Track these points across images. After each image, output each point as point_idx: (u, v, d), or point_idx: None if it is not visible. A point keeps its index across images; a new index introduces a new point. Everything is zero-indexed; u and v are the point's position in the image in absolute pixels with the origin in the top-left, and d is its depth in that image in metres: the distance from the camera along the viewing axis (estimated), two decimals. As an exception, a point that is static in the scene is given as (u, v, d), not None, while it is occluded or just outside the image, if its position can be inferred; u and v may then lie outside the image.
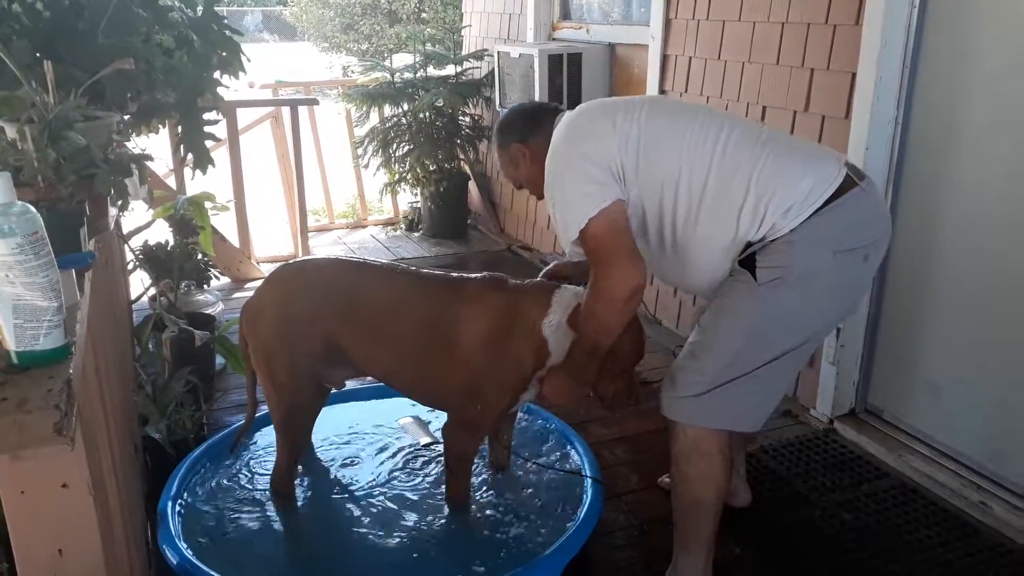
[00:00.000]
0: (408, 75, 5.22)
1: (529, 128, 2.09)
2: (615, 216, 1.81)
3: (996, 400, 2.46)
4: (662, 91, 3.66)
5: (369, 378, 2.44)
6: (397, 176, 5.33)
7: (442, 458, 2.34)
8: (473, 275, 2.22)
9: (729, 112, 1.93)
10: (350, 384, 2.45)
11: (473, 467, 2.35)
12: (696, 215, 1.83)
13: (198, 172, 2.47)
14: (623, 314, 1.84)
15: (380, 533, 2.20)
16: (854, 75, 2.66)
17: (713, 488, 1.93)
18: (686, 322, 3.62)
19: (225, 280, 4.29)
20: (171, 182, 4.21)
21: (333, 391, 2.44)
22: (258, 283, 2.37)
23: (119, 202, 1.71)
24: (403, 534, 2.20)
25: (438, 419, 2.73)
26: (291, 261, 2.51)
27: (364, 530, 2.22)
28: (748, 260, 1.80)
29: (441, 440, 2.37)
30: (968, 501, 2.44)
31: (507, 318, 2.10)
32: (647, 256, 1.91)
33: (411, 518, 2.26)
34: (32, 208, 1.10)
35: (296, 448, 2.34)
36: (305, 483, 2.44)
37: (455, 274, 2.25)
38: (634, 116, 1.86)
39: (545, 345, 2.07)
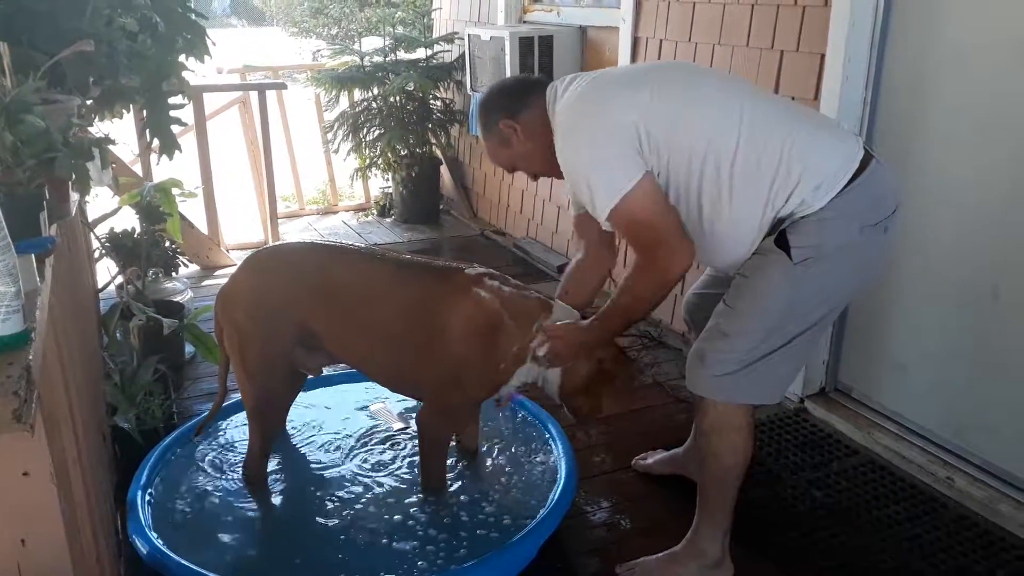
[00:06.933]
0: (378, 59, 5.17)
1: (515, 103, 2.00)
2: (651, 190, 1.77)
3: (962, 378, 2.50)
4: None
5: (343, 364, 2.42)
6: (368, 161, 5.29)
7: (414, 444, 2.33)
8: (461, 264, 2.17)
9: (739, 77, 1.91)
10: (325, 371, 2.43)
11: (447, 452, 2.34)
12: (728, 190, 1.79)
13: (164, 158, 2.43)
14: (666, 293, 1.85)
15: (353, 519, 2.20)
16: (823, 56, 2.67)
17: (742, 456, 1.95)
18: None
19: (194, 268, 4.23)
20: (137, 169, 4.14)
21: (309, 377, 2.42)
22: (227, 270, 2.34)
23: (80, 187, 1.68)
24: (377, 520, 2.19)
25: (414, 405, 2.72)
26: (267, 245, 2.47)
27: (337, 516, 2.21)
28: (781, 239, 1.78)
29: (412, 426, 2.37)
30: (935, 477, 2.48)
31: (501, 314, 2.07)
32: None
33: (385, 504, 2.26)
34: (-13, 192, 1.07)
35: (268, 435, 2.32)
36: (277, 470, 2.42)
37: (440, 262, 2.21)
38: (649, 89, 1.81)
39: (525, 352, 2.07)
